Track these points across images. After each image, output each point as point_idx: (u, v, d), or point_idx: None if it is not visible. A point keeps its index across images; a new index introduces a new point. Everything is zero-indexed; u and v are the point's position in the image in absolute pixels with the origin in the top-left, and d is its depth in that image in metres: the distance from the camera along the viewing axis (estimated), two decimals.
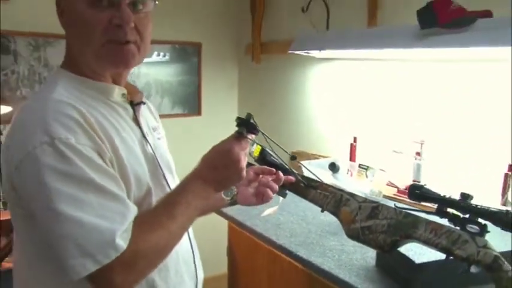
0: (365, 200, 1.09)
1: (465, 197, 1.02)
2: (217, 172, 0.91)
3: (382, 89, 2.18)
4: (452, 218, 1.02)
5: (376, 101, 2.22)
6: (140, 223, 0.81)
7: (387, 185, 2.05)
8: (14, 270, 0.95)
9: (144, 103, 1.04)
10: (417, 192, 1.09)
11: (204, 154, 0.93)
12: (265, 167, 1.11)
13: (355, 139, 2.25)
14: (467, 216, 1.00)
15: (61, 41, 2.36)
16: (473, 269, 0.99)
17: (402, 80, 2.10)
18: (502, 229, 0.95)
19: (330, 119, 2.50)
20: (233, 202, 1.13)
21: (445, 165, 1.90)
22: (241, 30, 3.12)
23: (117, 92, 0.95)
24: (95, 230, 0.75)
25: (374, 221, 1.07)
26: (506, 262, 0.94)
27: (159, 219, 0.83)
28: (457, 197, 1.03)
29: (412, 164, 1.95)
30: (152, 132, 1.05)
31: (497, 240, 0.96)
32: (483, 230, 0.98)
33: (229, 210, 1.83)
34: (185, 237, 0.99)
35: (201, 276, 1.10)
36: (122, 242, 0.76)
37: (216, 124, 3.07)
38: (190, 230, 1.06)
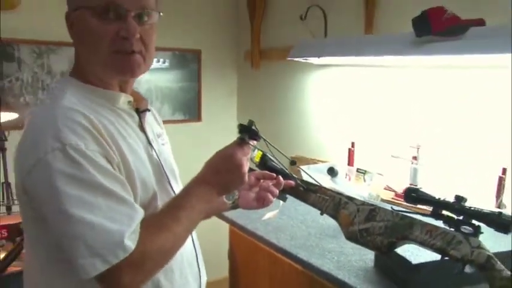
0: (363, 203, 1.12)
1: (459, 199, 1.05)
2: (220, 176, 0.94)
3: (380, 94, 2.22)
4: (447, 220, 1.05)
5: (374, 107, 2.25)
6: (147, 225, 0.84)
7: (385, 189, 2.08)
8: (25, 273, 0.98)
9: (149, 110, 1.08)
10: (413, 195, 1.12)
11: (208, 159, 0.96)
12: (266, 172, 1.14)
13: (353, 144, 2.29)
14: (461, 218, 1.03)
15: (64, 49, 2.40)
16: (467, 269, 1.02)
17: (399, 85, 2.13)
18: (495, 230, 0.99)
19: (329, 125, 2.53)
20: (235, 206, 1.16)
21: (441, 169, 1.93)
22: (241, 37, 3.15)
23: (124, 99, 0.99)
24: (104, 232, 0.78)
25: (372, 223, 1.10)
26: (498, 262, 0.97)
27: (165, 221, 0.87)
28: (451, 199, 1.06)
29: (409, 168, 1.98)
30: (157, 139, 1.08)
31: (491, 241, 0.99)
32: (477, 231, 1.01)
33: (231, 214, 1.85)
34: (189, 239, 1.02)
35: (204, 278, 1.12)
36: (130, 243, 0.79)
37: (216, 129, 3.11)
38: (194, 233, 1.09)
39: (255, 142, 0.98)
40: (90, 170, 0.81)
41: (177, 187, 1.07)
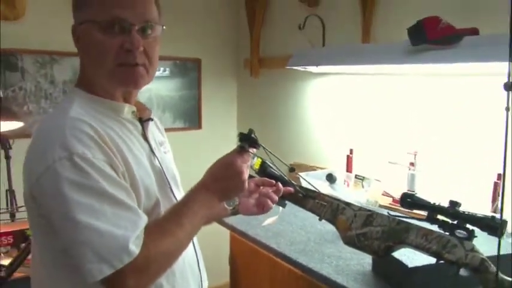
0: (360, 209, 1.15)
1: (454, 204, 1.08)
2: (221, 183, 0.98)
3: (377, 102, 2.25)
4: (442, 224, 1.08)
5: (372, 114, 2.28)
6: (151, 231, 0.87)
7: (383, 194, 2.10)
8: (32, 278, 1.00)
9: (152, 119, 1.11)
10: (408, 200, 1.15)
11: (209, 167, 1.00)
12: (266, 178, 1.17)
13: (351, 151, 2.31)
14: (455, 222, 1.06)
15: (66, 59, 2.44)
16: (462, 272, 1.04)
17: (396, 93, 2.16)
18: (488, 234, 1.02)
19: (327, 132, 2.56)
20: (235, 212, 1.18)
21: (438, 175, 1.96)
22: (240, 46, 3.19)
23: (127, 109, 1.02)
24: (110, 237, 0.81)
25: (369, 228, 1.13)
26: (492, 265, 1.00)
27: (169, 227, 0.90)
28: (446, 204, 1.09)
29: (407, 174, 2.01)
30: (159, 147, 1.11)
31: (486, 246, 1.02)
32: (471, 235, 1.04)
33: (231, 220, 1.88)
34: (190, 245, 1.04)
35: (205, 283, 1.15)
36: (135, 248, 0.82)
37: (216, 137, 3.14)
38: (195, 238, 1.11)
39: (254, 150, 1.02)
40: (97, 178, 0.84)
41: (179, 194, 1.09)
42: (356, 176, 2.17)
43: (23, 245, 1.73)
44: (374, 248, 1.12)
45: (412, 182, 1.99)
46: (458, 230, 1.05)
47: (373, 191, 2.07)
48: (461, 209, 1.07)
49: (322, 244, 1.69)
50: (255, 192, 1.16)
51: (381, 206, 2.01)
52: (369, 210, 1.15)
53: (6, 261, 1.61)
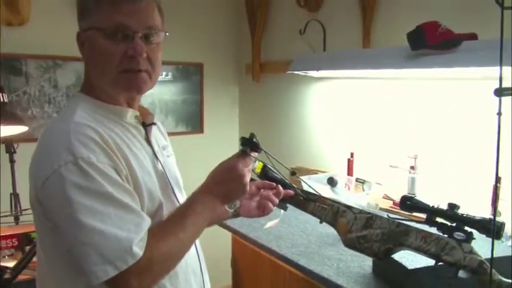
0: (360, 211, 1.17)
1: (452, 206, 1.09)
2: (223, 186, 0.99)
3: (378, 106, 2.26)
4: (441, 227, 1.10)
5: (372, 118, 2.29)
6: (154, 233, 0.89)
7: (383, 197, 2.11)
8: (38, 280, 1.02)
9: (155, 124, 1.13)
10: (408, 203, 1.17)
11: (211, 170, 1.01)
12: (266, 181, 1.19)
13: (352, 154, 2.33)
14: (454, 224, 1.08)
15: (69, 63, 2.47)
16: (461, 274, 1.06)
17: (396, 97, 2.17)
18: (487, 236, 1.03)
19: (328, 136, 2.58)
20: (236, 214, 1.20)
21: (438, 178, 1.97)
22: (242, 51, 3.21)
23: (131, 114, 1.04)
24: (114, 239, 0.83)
25: (369, 231, 1.14)
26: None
27: (172, 229, 0.91)
28: (445, 207, 1.11)
29: (407, 177, 2.02)
30: (162, 151, 1.12)
31: (485, 248, 1.03)
32: (469, 237, 1.06)
33: (233, 223, 1.90)
34: (192, 248, 1.06)
35: (208, 285, 1.16)
36: (138, 250, 0.84)
37: (218, 141, 3.16)
38: (197, 241, 1.13)
39: (256, 154, 1.03)
40: (101, 182, 0.86)
41: (182, 197, 1.11)
42: (357, 180, 2.19)
43: (28, 247, 1.75)
44: (374, 250, 1.13)
45: (412, 185, 2.00)
46: (457, 232, 1.07)
47: (373, 194, 2.09)
48: (460, 211, 1.09)
49: (323, 246, 1.71)
50: (256, 194, 1.18)
51: (381, 209, 2.03)
52: (369, 213, 1.16)
53: (11, 264, 1.63)
